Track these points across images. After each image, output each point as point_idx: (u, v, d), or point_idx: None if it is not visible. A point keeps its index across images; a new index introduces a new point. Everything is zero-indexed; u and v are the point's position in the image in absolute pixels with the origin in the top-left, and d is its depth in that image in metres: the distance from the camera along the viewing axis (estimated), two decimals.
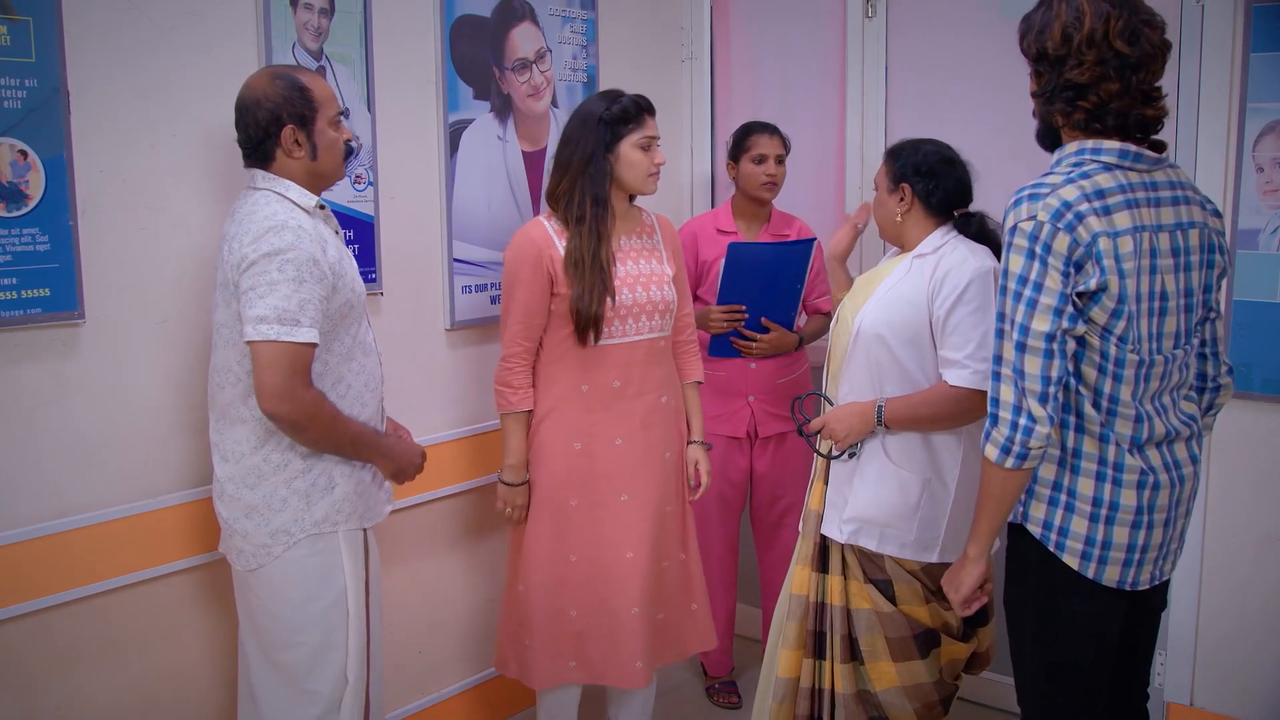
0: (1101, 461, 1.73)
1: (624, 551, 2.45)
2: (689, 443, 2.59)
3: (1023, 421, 1.63)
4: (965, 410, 2.09)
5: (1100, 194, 1.65)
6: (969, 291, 2.09)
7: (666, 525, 2.52)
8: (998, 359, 1.67)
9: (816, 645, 2.25)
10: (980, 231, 2.22)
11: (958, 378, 2.09)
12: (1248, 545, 2.61)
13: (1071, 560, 1.75)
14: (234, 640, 2.19)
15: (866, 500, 2.19)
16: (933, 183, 2.20)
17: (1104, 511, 1.73)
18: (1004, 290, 1.65)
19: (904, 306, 2.14)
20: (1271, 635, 2.60)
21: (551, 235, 2.40)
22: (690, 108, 3.40)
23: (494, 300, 2.80)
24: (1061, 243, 1.60)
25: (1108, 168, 1.69)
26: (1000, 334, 1.66)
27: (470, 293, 2.75)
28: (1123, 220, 1.65)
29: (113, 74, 2.05)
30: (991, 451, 1.67)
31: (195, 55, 2.16)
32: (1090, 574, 1.74)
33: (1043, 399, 1.63)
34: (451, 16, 2.64)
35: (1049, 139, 1.79)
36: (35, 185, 1.94)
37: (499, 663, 2.59)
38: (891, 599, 2.20)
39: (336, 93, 2.13)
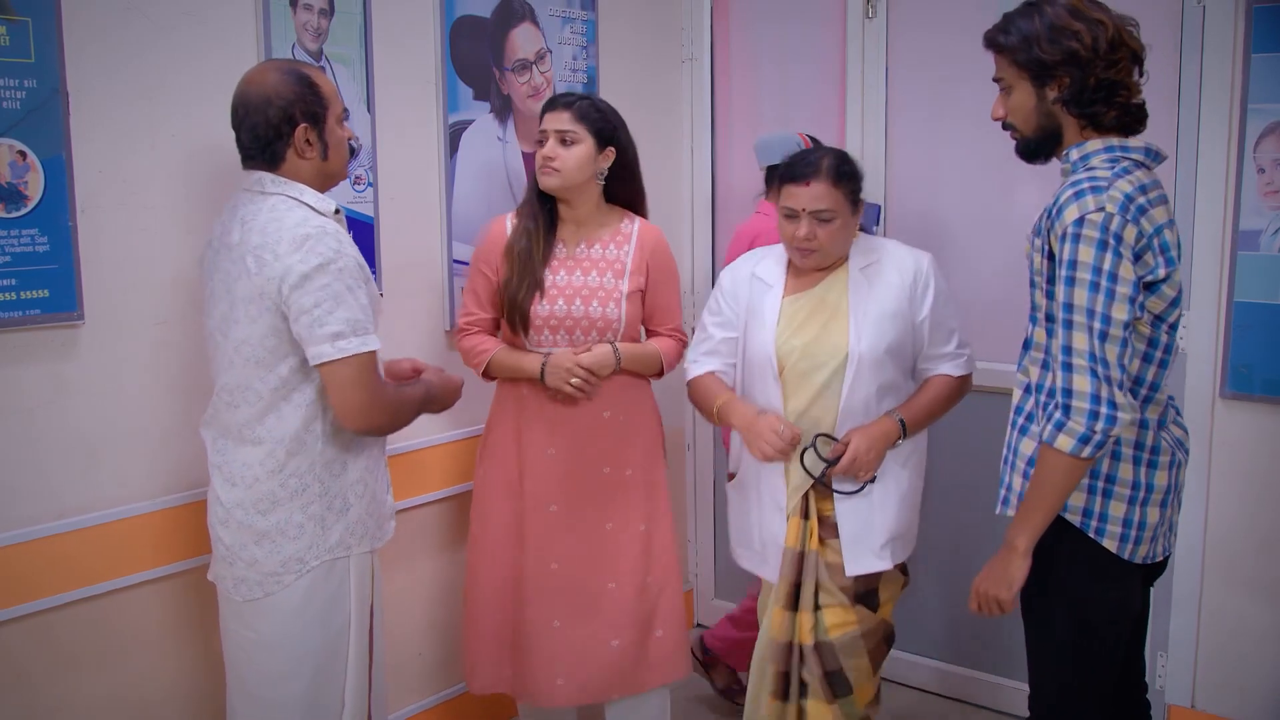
0: (1139, 446, 1.80)
1: (548, 563, 2.42)
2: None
3: (1104, 410, 1.66)
4: (961, 396, 2.28)
5: (1143, 189, 1.74)
6: (936, 283, 2.22)
7: (613, 544, 2.42)
8: (1067, 349, 1.69)
9: (784, 687, 2.24)
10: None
11: (958, 367, 2.26)
12: (1249, 547, 2.61)
13: (1111, 544, 1.80)
14: None
15: (895, 515, 2.23)
16: (857, 185, 2.22)
17: (1141, 494, 1.80)
18: (1071, 281, 1.68)
19: (893, 321, 2.19)
20: (1272, 637, 2.60)
21: (508, 229, 2.44)
22: (690, 109, 3.40)
23: None
24: (1130, 233, 1.67)
25: (1138, 165, 1.77)
26: (1069, 324, 1.68)
27: None
28: (1160, 215, 1.76)
29: (112, 74, 2.04)
30: (1066, 442, 1.68)
31: (195, 56, 2.16)
32: (1126, 555, 1.80)
33: (1122, 386, 1.68)
34: (451, 17, 2.64)
35: (1047, 146, 1.83)
36: (34, 186, 1.94)
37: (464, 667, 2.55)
38: (874, 606, 2.24)
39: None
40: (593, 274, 2.37)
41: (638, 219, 2.46)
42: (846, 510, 2.20)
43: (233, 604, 1.93)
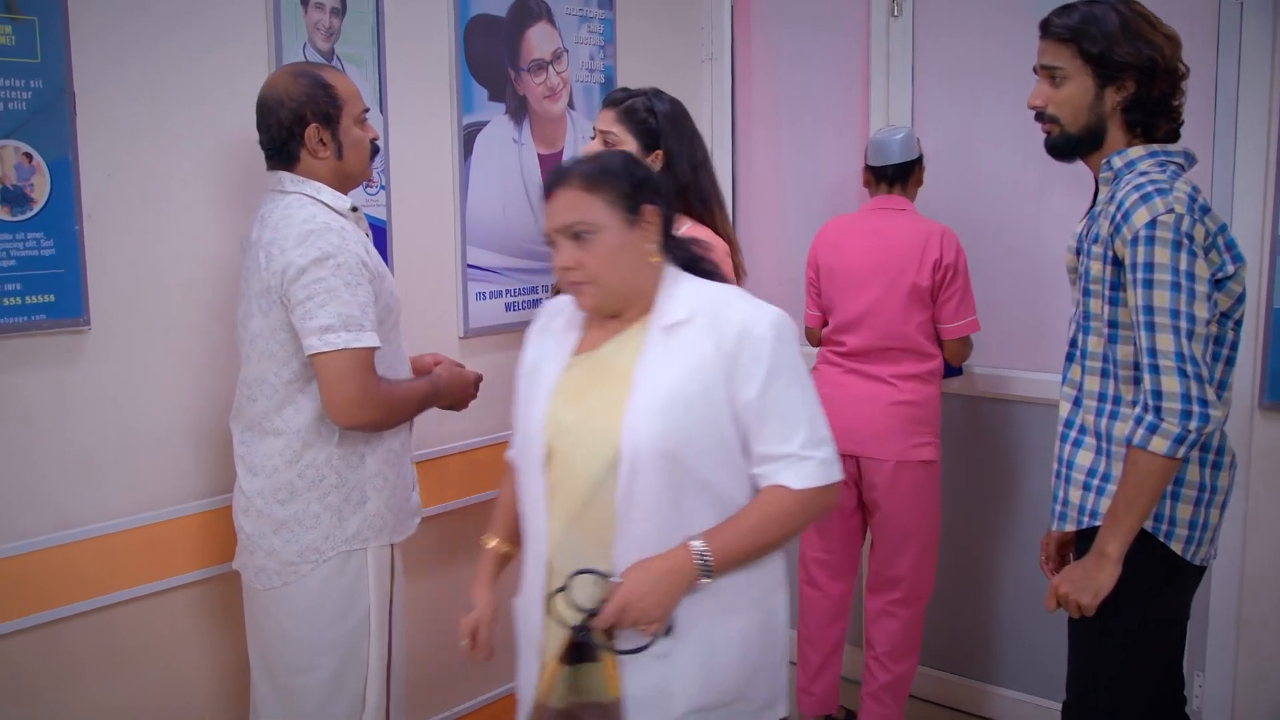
0: (1205, 448, 1.81)
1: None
2: None
3: (1196, 409, 1.68)
4: (811, 516, 1.62)
5: (1196, 190, 1.78)
6: (776, 355, 1.57)
7: None
8: (1152, 351, 1.70)
9: None
10: (689, 261, 1.70)
11: (803, 475, 1.58)
12: None
13: (1177, 546, 1.81)
14: (243, 655, 2.17)
15: (706, 681, 1.59)
16: (636, 188, 1.62)
17: (1206, 495, 1.82)
18: (1150, 283, 1.69)
19: (694, 406, 1.55)
20: None
21: None
22: (711, 110, 3.37)
23: (509, 308, 2.79)
24: (1199, 232, 1.71)
25: (1180, 169, 1.82)
26: (1152, 327, 1.70)
27: (484, 299, 2.73)
28: (1216, 214, 1.80)
29: (119, 75, 2.04)
30: (1161, 444, 1.69)
31: (204, 56, 2.15)
32: (1189, 556, 1.82)
33: (1210, 384, 1.70)
34: (466, 16, 2.63)
35: (1085, 146, 1.84)
36: (40, 188, 1.93)
37: None
38: None
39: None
40: None
41: (689, 224, 2.25)
42: (633, 672, 1.57)
43: (254, 592, 1.99)
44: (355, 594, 1.97)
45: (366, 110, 2.03)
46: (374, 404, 1.87)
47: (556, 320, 1.74)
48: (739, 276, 2.31)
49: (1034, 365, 2.90)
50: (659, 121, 2.23)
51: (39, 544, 1.99)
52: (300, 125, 1.91)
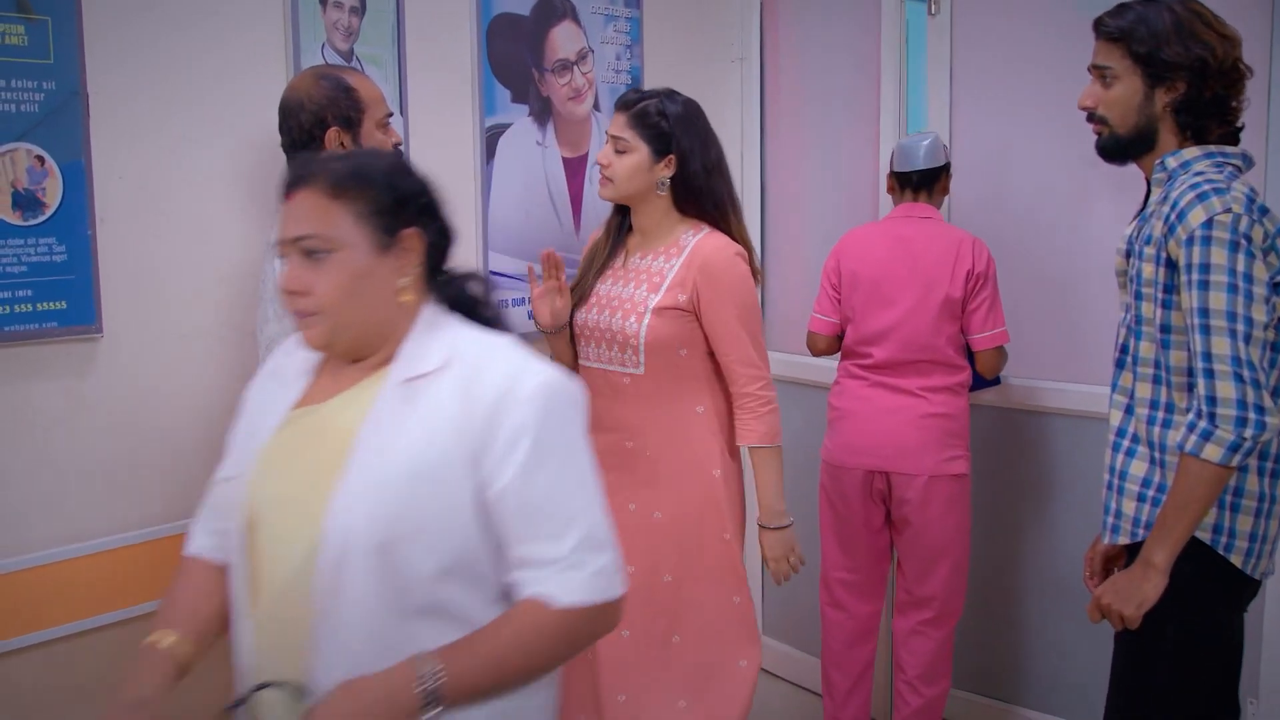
0: (1263, 456, 1.78)
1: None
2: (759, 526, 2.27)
3: (1252, 416, 1.66)
4: (580, 642, 1.31)
5: (1254, 191, 1.76)
6: (543, 429, 1.27)
7: (641, 590, 2.18)
8: (1206, 355, 1.69)
9: None
10: (459, 300, 1.43)
11: (571, 589, 1.26)
12: None
13: (1237, 559, 1.78)
14: None
15: None
16: (382, 196, 1.32)
17: (1265, 505, 1.79)
18: (1205, 285, 1.69)
19: (426, 485, 1.25)
20: None
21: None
22: (741, 112, 3.35)
23: (532, 315, 2.74)
24: (1257, 234, 1.69)
25: (1239, 170, 1.80)
26: (1207, 330, 1.69)
27: (507, 307, 2.72)
28: (1275, 216, 1.77)
29: (133, 76, 2.04)
30: (1215, 451, 1.67)
31: (220, 56, 2.16)
32: (1249, 570, 1.79)
33: (1267, 389, 1.68)
34: (488, 15, 2.62)
35: (1136, 149, 1.84)
36: (52, 192, 1.93)
37: None
38: None
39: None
40: (630, 285, 2.31)
41: (705, 231, 2.27)
42: None
43: None
44: None
45: (390, 115, 2.04)
46: None
47: (290, 360, 1.42)
48: (756, 278, 2.30)
49: (1071, 376, 2.85)
50: (670, 124, 2.23)
51: (49, 558, 1.98)
52: (320, 128, 1.92)
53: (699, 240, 2.27)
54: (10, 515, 1.95)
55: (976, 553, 2.91)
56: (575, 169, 2.84)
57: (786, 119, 3.31)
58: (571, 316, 2.34)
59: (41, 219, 1.92)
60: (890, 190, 2.84)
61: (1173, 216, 1.73)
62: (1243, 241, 1.68)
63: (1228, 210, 1.69)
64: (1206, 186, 1.72)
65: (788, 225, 3.37)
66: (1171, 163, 1.80)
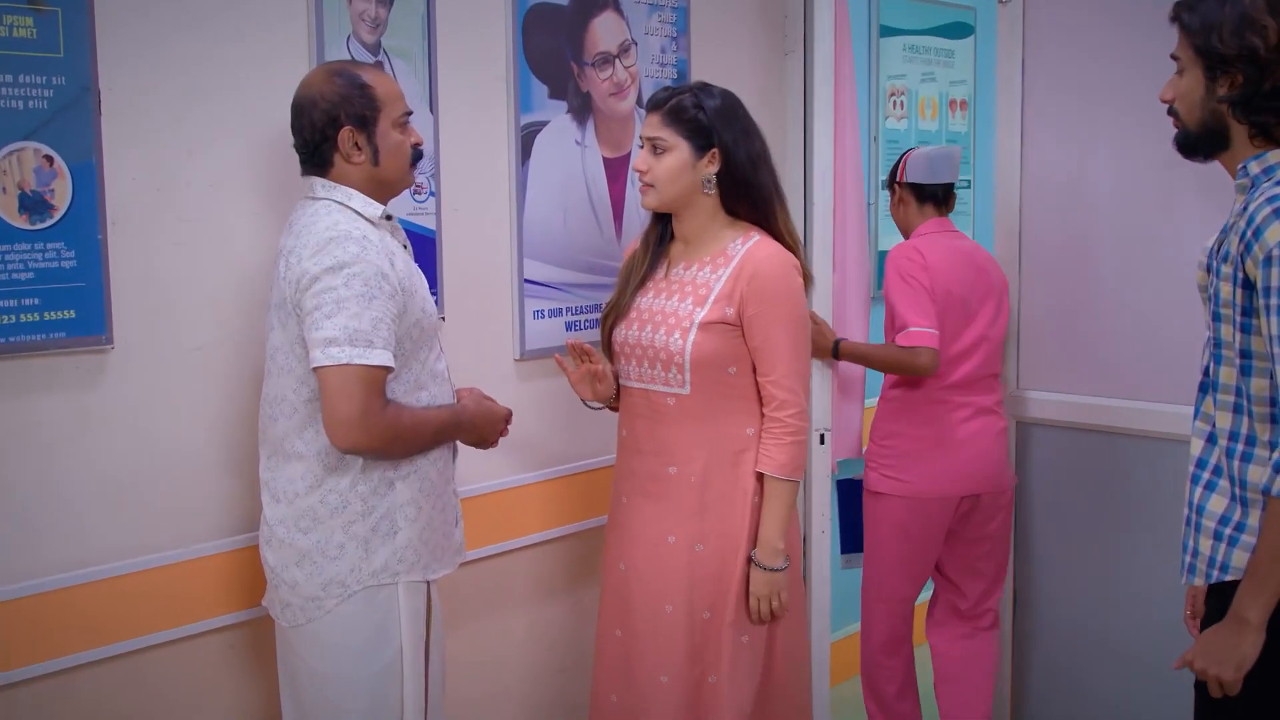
0: None
1: (613, 628, 2.36)
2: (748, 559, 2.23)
3: None
4: None
5: None
6: None
7: (680, 631, 2.24)
8: None
9: None
10: None
11: None
12: None
13: None
14: (277, 708, 2.15)
15: None
16: None
17: None
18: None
19: None
20: None
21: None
22: (795, 109, 3.26)
23: (570, 327, 2.76)
24: None
25: None
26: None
27: (543, 318, 2.70)
28: None
29: (148, 71, 2.03)
30: None
31: (239, 51, 2.15)
32: None
33: None
34: (525, 5, 2.60)
35: (1206, 145, 1.81)
36: (61, 194, 1.92)
37: None
38: None
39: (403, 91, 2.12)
40: (675, 298, 2.27)
41: (757, 236, 2.26)
42: None
43: (281, 631, 2.02)
44: (384, 632, 1.96)
45: (409, 113, 2.03)
46: (375, 428, 1.86)
47: None
48: (807, 284, 2.28)
49: (1156, 395, 2.80)
50: (709, 117, 2.21)
51: (55, 583, 1.97)
52: (334, 128, 1.93)
53: (749, 248, 2.23)
54: (14, 537, 1.95)
55: (1046, 588, 2.89)
56: (617, 170, 2.83)
57: (848, 117, 3.24)
58: (610, 334, 2.33)
59: (49, 223, 1.92)
60: (903, 203, 2.97)
61: (1249, 233, 1.67)
62: None
63: None
64: None
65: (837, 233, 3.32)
66: (1254, 167, 1.74)
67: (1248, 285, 1.69)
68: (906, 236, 3.06)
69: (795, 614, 2.33)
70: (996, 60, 2.96)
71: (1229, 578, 1.74)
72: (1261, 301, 1.65)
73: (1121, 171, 2.81)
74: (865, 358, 2.91)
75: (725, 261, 2.24)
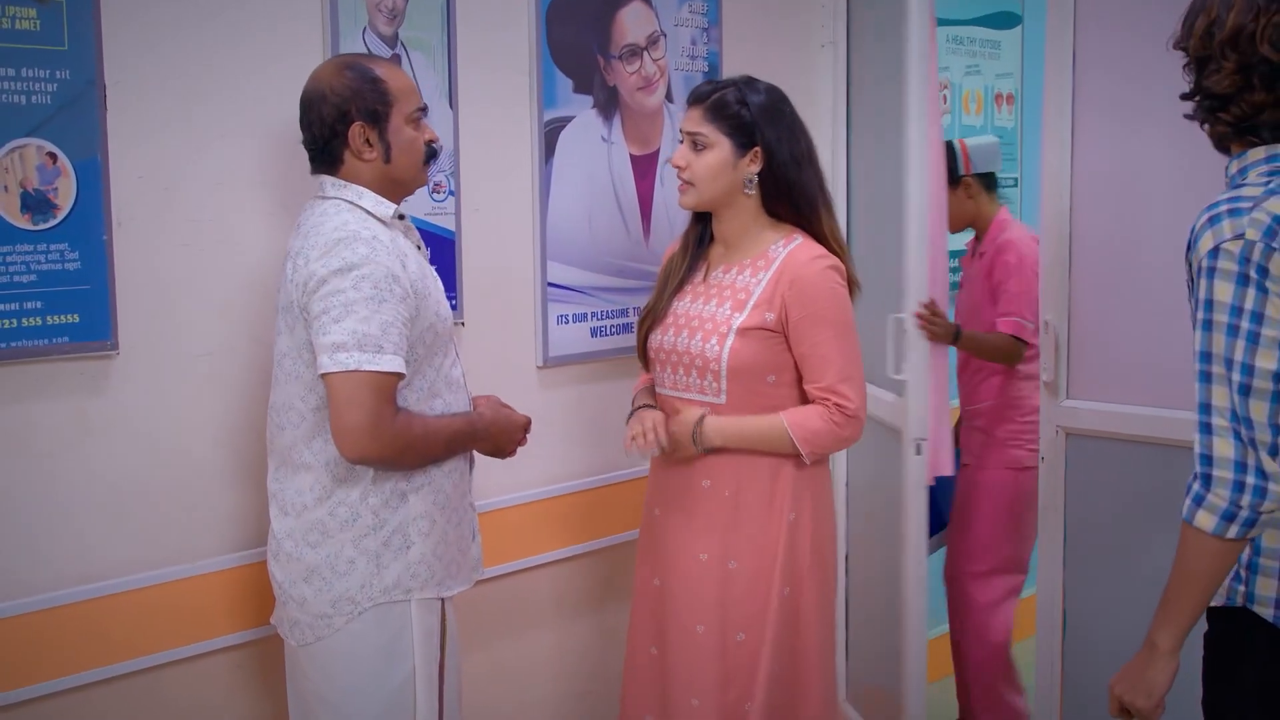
0: None
1: (647, 644, 2.35)
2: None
3: (1250, 480, 1.58)
4: None
5: None
6: None
7: (711, 653, 2.23)
8: (1205, 407, 1.64)
9: None
10: None
11: None
12: None
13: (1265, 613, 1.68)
14: None
15: None
16: None
17: None
18: (1208, 324, 1.63)
19: None
20: None
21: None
22: (832, 102, 3.29)
23: (595, 333, 2.75)
24: (1278, 264, 1.58)
25: None
26: (1206, 377, 1.64)
27: (566, 323, 2.69)
28: None
29: (156, 65, 2.04)
30: (1207, 520, 1.61)
31: (251, 43, 2.15)
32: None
33: (1274, 451, 1.59)
34: None
35: (1223, 145, 1.79)
36: (65, 193, 1.93)
37: None
38: None
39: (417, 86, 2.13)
40: (713, 302, 2.26)
41: (800, 239, 2.24)
42: None
43: (291, 650, 2.01)
44: (397, 652, 1.96)
45: (423, 109, 2.03)
46: (385, 437, 1.85)
47: None
48: (852, 290, 2.26)
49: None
50: (753, 113, 2.20)
51: (54, 600, 1.97)
52: (344, 123, 1.93)
53: (790, 251, 2.22)
54: (14, 552, 1.95)
55: (1103, 594, 2.88)
56: (645, 168, 2.81)
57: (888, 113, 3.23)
58: (646, 339, 2.33)
59: (53, 223, 1.92)
60: (973, 195, 3.20)
61: (1190, 242, 1.66)
62: (1254, 274, 1.57)
63: (1239, 236, 1.58)
64: (1224, 207, 1.62)
65: (875, 237, 3.29)
66: (1233, 167, 1.72)
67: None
68: (976, 228, 3.30)
69: (825, 625, 2.31)
70: (1045, 50, 2.91)
71: (1225, 603, 1.74)
72: (1195, 314, 1.66)
73: (1179, 169, 2.76)
74: (980, 346, 3.16)
75: (766, 265, 2.22)
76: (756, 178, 2.21)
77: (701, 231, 2.34)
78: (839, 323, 2.19)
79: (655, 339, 2.31)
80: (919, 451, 2.84)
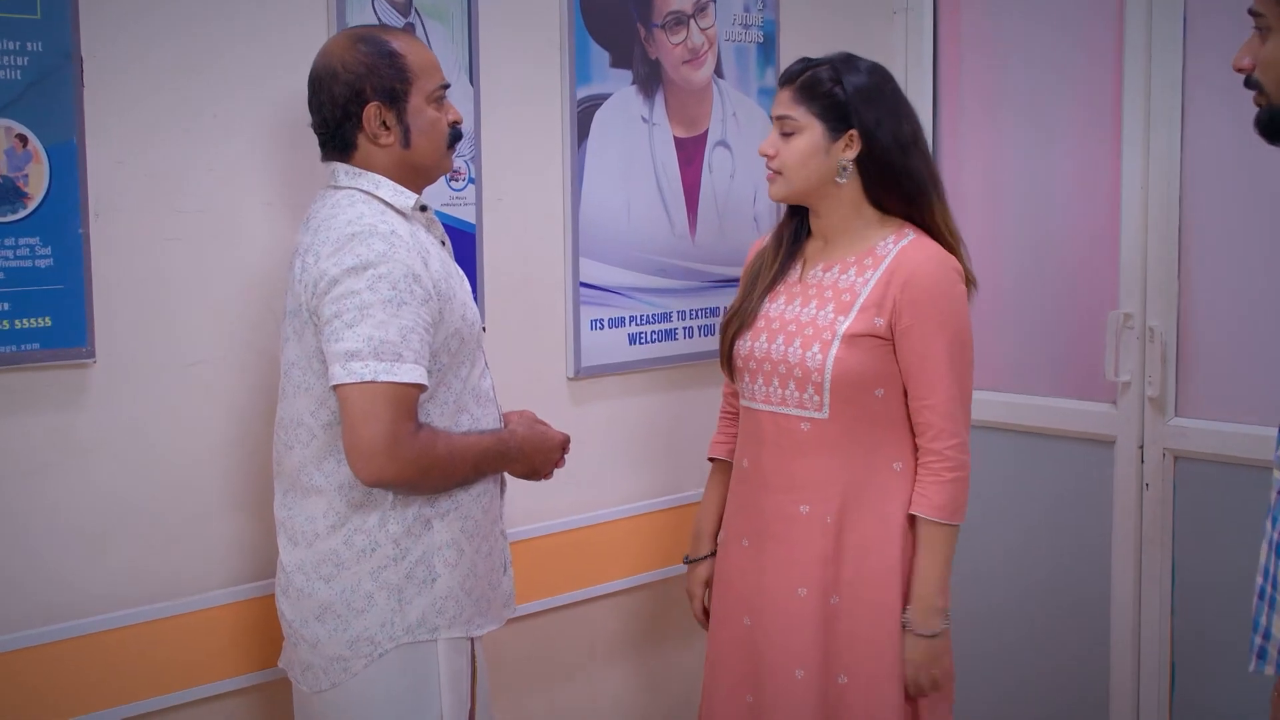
0: None
1: (742, 693, 2.34)
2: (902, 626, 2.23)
3: None
4: None
5: None
6: None
7: (810, 701, 2.24)
8: None
9: None
10: None
11: None
12: None
13: None
14: None
15: None
16: None
17: None
18: None
19: None
20: None
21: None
22: (904, 76, 3.27)
23: (633, 340, 2.76)
24: None
25: None
26: None
27: (601, 329, 2.68)
28: None
29: (138, 36, 2.04)
30: None
31: (247, 13, 2.16)
32: None
33: None
34: None
35: None
36: (36, 181, 1.93)
37: None
38: None
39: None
40: (812, 304, 2.26)
41: (912, 234, 2.25)
42: None
43: (302, 696, 2.02)
44: (422, 698, 1.96)
45: (446, 86, 2.03)
46: (404, 456, 1.84)
47: None
48: (969, 287, 2.28)
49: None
50: (848, 92, 2.21)
51: (31, 639, 1.97)
52: (357, 104, 1.93)
53: (903, 247, 2.23)
54: None
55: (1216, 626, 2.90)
56: (691, 153, 2.81)
57: (969, 90, 3.25)
58: (733, 346, 2.33)
59: (22, 214, 1.92)
60: None
61: None
62: None
63: None
64: None
65: (970, 228, 3.27)
66: None
67: None
68: None
69: (945, 682, 2.30)
70: (1153, 31, 2.88)
71: None
72: None
73: None
74: None
75: (874, 263, 2.22)
76: (853, 164, 2.21)
77: (797, 226, 2.34)
78: (955, 333, 2.20)
79: (744, 345, 2.30)
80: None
